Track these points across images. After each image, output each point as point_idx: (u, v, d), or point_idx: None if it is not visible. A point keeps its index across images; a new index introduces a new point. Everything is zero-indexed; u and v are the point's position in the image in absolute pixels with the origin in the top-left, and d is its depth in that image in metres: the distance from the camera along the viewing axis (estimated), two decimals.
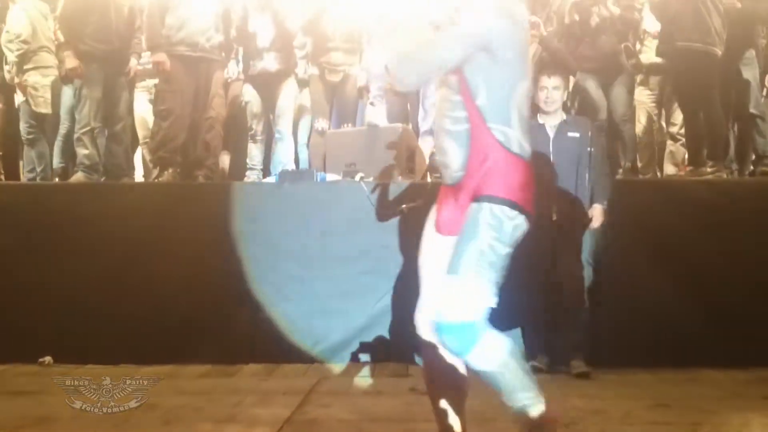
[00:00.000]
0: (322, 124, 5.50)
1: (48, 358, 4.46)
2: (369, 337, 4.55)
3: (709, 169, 5.09)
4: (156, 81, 5.43)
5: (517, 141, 2.21)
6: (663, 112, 6.21)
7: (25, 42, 5.54)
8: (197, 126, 5.17)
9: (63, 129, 5.72)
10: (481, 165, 2.19)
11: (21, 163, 6.20)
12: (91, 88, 5.15)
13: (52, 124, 5.81)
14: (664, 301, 4.48)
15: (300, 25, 5.45)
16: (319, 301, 4.54)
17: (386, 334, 4.54)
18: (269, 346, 4.54)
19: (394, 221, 4.45)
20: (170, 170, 5.06)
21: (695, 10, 4.99)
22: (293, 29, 5.42)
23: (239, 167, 5.89)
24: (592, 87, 5.32)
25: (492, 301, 2.16)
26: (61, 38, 5.38)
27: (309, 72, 5.70)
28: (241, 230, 4.60)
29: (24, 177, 6.02)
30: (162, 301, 4.53)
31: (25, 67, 5.58)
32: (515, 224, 2.17)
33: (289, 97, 5.55)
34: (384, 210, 4.45)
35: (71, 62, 5.18)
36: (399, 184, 4.52)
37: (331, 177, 4.84)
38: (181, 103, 5.02)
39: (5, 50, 5.62)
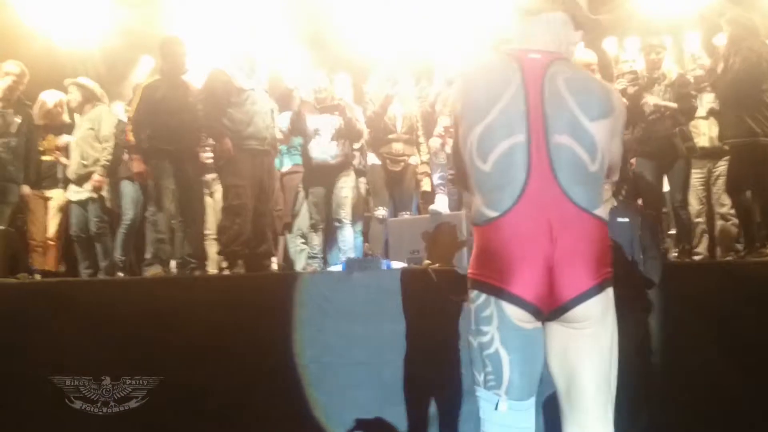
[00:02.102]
0: (382, 212, 5.65)
1: None
2: (442, 428, 4.53)
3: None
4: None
5: (476, 208, 1.92)
6: (711, 192, 6.28)
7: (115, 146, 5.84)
8: (262, 217, 5.32)
9: (127, 221, 5.90)
10: None
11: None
12: (166, 180, 5.34)
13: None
14: (729, 388, 4.40)
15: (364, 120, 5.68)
16: (388, 389, 4.54)
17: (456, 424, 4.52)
18: None
19: (463, 309, 4.51)
20: (240, 262, 5.18)
21: (735, 109, 5.05)
22: (358, 123, 5.65)
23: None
24: (650, 173, 5.43)
25: (490, 410, 1.85)
26: (132, 140, 5.62)
27: (366, 162, 5.88)
28: (312, 319, 4.67)
29: (82, 273, 6.12)
30: (234, 393, 4.55)
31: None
32: (477, 306, 1.88)
33: (348, 187, 5.72)
34: (452, 297, 4.52)
35: (139, 166, 5.43)
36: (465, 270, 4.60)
37: (396, 264, 4.92)
38: (251, 196, 5.18)
39: (89, 148, 5.84)
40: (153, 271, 5.30)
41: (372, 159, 5.95)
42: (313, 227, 5.79)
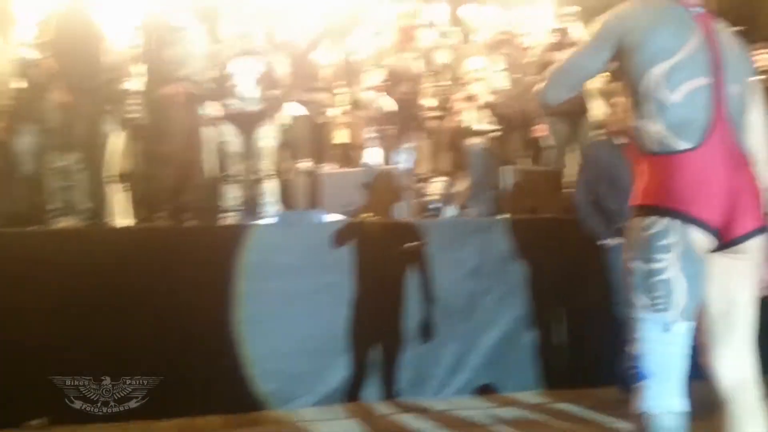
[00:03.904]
0: (307, 164, 5.52)
1: (37, 422, 4.07)
2: (381, 375, 4.61)
3: None
4: None
5: (658, 137, 1.99)
6: None
7: None
8: (188, 166, 5.02)
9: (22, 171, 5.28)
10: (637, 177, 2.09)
11: None
12: (80, 122, 4.83)
13: None
14: None
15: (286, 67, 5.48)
16: (329, 341, 4.54)
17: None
18: (281, 390, 4.45)
19: (402, 258, 4.59)
20: (161, 213, 4.86)
21: None
22: (280, 73, 5.44)
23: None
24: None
25: (656, 330, 1.95)
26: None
27: (293, 112, 5.70)
28: (249, 273, 4.49)
29: None
30: (164, 352, 4.29)
31: None
32: (652, 233, 1.95)
33: (269, 137, 5.53)
34: (392, 249, 4.57)
35: (63, 95, 4.79)
36: (399, 223, 4.69)
37: (332, 217, 4.86)
38: (181, 144, 4.86)
39: None
40: (64, 222, 4.82)
41: (294, 109, 5.75)
42: (229, 179, 5.54)
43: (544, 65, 5.70)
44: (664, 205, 1.96)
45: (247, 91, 5.39)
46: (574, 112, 5.56)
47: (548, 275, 4.70)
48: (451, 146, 5.61)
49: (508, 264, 4.73)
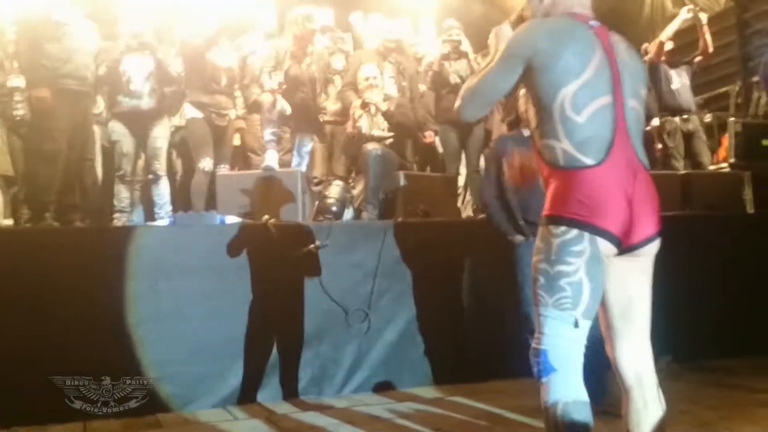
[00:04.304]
0: (207, 164, 5.46)
1: None
2: (282, 375, 4.66)
3: None
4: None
5: (567, 154, 2.11)
6: None
7: None
8: (76, 166, 4.84)
9: None
10: (546, 188, 2.22)
11: None
12: None
13: None
14: None
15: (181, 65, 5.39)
16: (228, 342, 4.53)
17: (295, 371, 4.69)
18: (182, 392, 4.39)
19: (302, 260, 4.66)
20: (47, 215, 4.66)
21: None
22: (174, 70, 5.35)
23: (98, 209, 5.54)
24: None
25: (561, 327, 2.08)
26: None
27: (190, 113, 5.59)
28: (145, 275, 4.41)
29: None
30: (57, 355, 4.11)
31: None
32: (563, 240, 2.08)
33: (163, 137, 5.42)
34: (291, 250, 4.64)
35: None
36: (296, 225, 4.78)
37: (229, 219, 4.85)
38: (65, 141, 4.67)
39: None
40: None
41: (191, 110, 5.65)
42: (120, 178, 5.38)
43: (435, 75, 5.99)
44: (574, 217, 2.09)
45: (140, 89, 5.25)
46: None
47: (441, 275, 4.94)
48: (347, 151, 5.75)
49: (403, 265, 4.92)
